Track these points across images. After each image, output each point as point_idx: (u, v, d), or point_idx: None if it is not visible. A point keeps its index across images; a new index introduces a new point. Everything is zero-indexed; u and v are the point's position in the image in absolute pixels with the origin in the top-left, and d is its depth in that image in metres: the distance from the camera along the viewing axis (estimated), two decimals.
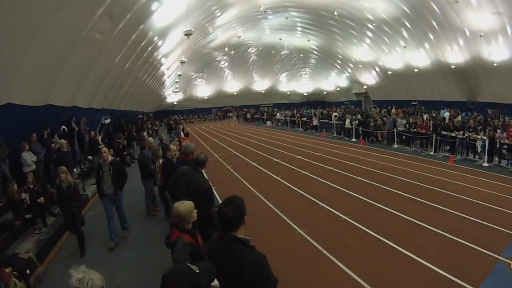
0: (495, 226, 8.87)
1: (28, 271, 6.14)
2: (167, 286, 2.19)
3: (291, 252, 7.53)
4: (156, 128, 29.72)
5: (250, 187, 13.22)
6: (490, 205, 10.56)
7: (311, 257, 7.44)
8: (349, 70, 50.24)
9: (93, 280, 2.35)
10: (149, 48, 22.71)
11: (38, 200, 8.91)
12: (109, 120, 21.62)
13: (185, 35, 20.83)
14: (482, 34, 26.50)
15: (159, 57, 28.03)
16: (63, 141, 12.37)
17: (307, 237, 8.45)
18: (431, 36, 31.39)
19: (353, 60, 45.62)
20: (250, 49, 54.36)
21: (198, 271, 2.32)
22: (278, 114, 44.66)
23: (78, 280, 2.30)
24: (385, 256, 7.44)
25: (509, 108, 28.39)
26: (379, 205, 10.70)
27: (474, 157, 17.99)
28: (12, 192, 8.51)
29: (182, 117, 54.57)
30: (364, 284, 6.26)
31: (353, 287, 6.24)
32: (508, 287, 6.15)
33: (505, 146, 16.43)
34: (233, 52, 52.43)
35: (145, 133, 21.66)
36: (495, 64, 27.91)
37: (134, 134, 22.61)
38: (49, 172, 11.65)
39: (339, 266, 6.94)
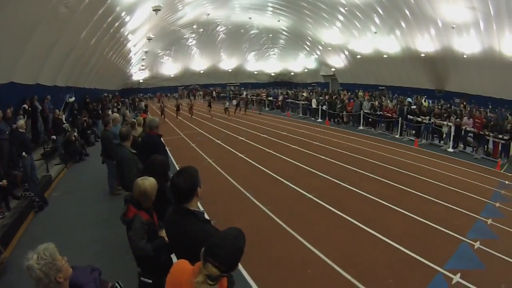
0: (459, 209, 9.07)
1: None
2: (225, 253, 2.04)
3: (255, 229, 7.44)
4: (119, 107, 28.99)
5: (214, 164, 13.07)
6: (454, 189, 10.79)
7: (275, 234, 7.40)
8: (318, 52, 50.21)
9: (47, 249, 2.35)
10: (116, 24, 21.94)
11: (0, 182, 8.27)
12: (73, 99, 20.65)
13: (153, 10, 20.60)
14: (454, 26, 26.94)
15: (126, 34, 27.16)
16: (21, 122, 11.53)
17: (271, 214, 8.38)
18: (403, 24, 31.68)
19: (323, 43, 45.60)
20: (219, 27, 53.25)
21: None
22: (244, 93, 44.30)
23: (35, 260, 2.28)
24: (350, 234, 7.46)
25: (476, 98, 29.30)
26: (344, 184, 10.74)
27: (439, 142, 18.50)
28: None
29: (149, 95, 53.87)
30: (329, 262, 6.24)
31: (317, 264, 6.22)
32: (472, 267, 6.28)
33: (471, 134, 16.92)
34: (201, 30, 51.24)
35: (110, 112, 20.95)
36: (465, 56, 28.50)
37: (100, 112, 22.10)
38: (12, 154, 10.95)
39: (304, 244, 6.91)
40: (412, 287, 5.63)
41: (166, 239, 3.32)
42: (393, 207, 9.02)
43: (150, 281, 3.63)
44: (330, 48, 45.01)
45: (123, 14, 21.56)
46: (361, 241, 7.18)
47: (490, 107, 25.56)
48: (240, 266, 5.63)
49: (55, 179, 11.37)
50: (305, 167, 12.70)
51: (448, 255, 6.62)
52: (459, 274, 5.96)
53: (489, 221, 8.44)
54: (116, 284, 3.04)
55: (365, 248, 6.85)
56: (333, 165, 13.09)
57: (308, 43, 50.37)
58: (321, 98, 28.00)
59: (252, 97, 39.87)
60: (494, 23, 23.67)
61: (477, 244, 7.13)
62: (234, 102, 33.94)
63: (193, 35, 53.26)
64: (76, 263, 2.65)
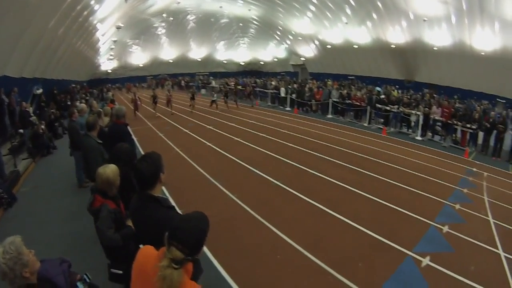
0: (427, 195, 9.15)
1: None
2: (188, 235, 2.02)
3: (224, 217, 7.34)
4: (87, 98, 28.08)
5: (182, 153, 12.79)
6: (422, 175, 10.88)
7: (244, 221, 7.28)
8: (288, 42, 50.21)
9: (13, 243, 2.38)
10: (85, 13, 21.17)
11: None
12: (41, 90, 19.68)
13: None
14: (426, 19, 27.31)
15: (94, 22, 26.17)
16: None
17: (239, 202, 8.25)
18: (374, 16, 31.84)
19: (293, 32, 45.48)
20: (189, 16, 52.10)
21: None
22: (213, 82, 43.86)
23: (1, 254, 2.31)
24: (319, 220, 7.39)
25: (444, 89, 29.81)
26: (311, 171, 10.66)
27: (408, 130, 18.73)
28: None
29: (117, 86, 52.19)
30: (298, 247, 6.17)
31: (287, 250, 6.14)
32: (442, 249, 6.32)
33: (439, 123, 17.19)
34: (171, 18, 50.20)
35: (78, 103, 20.23)
36: (435, 48, 29.05)
37: (68, 103, 21.48)
38: None
39: (272, 230, 6.82)
40: (382, 270, 5.59)
41: (134, 229, 3.27)
42: (361, 193, 9.00)
43: (121, 272, 3.55)
44: (300, 38, 45.00)
45: (92, 2, 20.86)
46: (330, 226, 7.12)
47: (455, 97, 26.09)
48: (209, 254, 5.55)
49: (23, 174, 10.87)
50: (273, 154, 12.56)
51: (417, 238, 6.63)
52: (428, 257, 5.96)
53: (457, 206, 8.52)
54: (85, 276, 3.10)
55: (334, 233, 6.80)
56: (301, 153, 12.99)
57: (278, 33, 50.22)
58: (289, 86, 27.89)
59: (220, 86, 39.44)
60: (466, 17, 24.15)
61: (445, 228, 7.17)
62: (203, 91, 33.18)
63: (163, 24, 52.06)
64: (45, 257, 2.66)
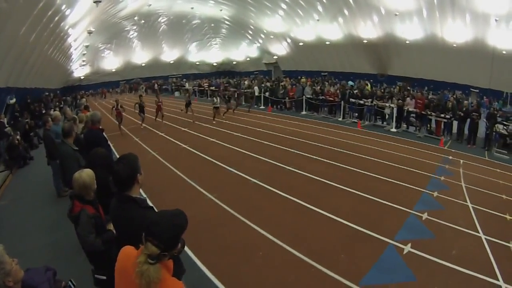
0: (405, 184, 9.25)
1: None
2: (161, 230, 2.04)
3: (204, 217, 7.27)
4: (61, 106, 27.42)
5: (158, 157, 12.63)
6: (399, 166, 11.02)
7: (224, 220, 7.23)
8: (260, 41, 50.41)
9: None
10: (56, 18, 20.57)
11: None
12: (14, 100, 19.18)
13: (94, 2, 19.96)
14: (397, 13, 27.97)
15: (66, 28, 25.55)
16: None
17: (218, 201, 8.18)
18: (346, 12, 32.39)
19: (265, 31, 45.72)
20: (161, 18, 51.35)
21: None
22: (187, 84, 43.66)
23: None
24: (299, 215, 7.38)
25: (418, 82, 30.74)
26: (289, 167, 10.63)
27: (382, 123, 18.98)
28: None
29: (90, 92, 50.83)
30: (280, 243, 6.15)
31: (268, 246, 6.12)
32: (422, 236, 6.40)
33: (413, 115, 17.47)
34: (143, 21, 49.58)
35: (52, 111, 19.72)
36: (407, 42, 29.84)
37: (43, 112, 20.86)
38: None
39: (253, 228, 6.78)
40: (364, 260, 5.61)
41: (115, 232, 3.29)
42: (339, 186, 9.03)
43: (104, 277, 3.50)
44: (272, 36, 45.24)
45: (63, 7, 20.35)
46: (310, 220, 7.11)
47: (426, 89, 26.71)
48: (192, 255, 5.48)
49: (1, 187, 10.58)
50: (249, 153, 12.50)
51: (397, 227, 6.68)
52: (409, 244, 6.02)
53: (435, 194, 8.65)
54: (70, 283, 3.16)
55: (314, 227, 6.80)
56: (277, 150, 12.98)
57: (250, 32, 50.34)
58: (263, 85, 27.95)
59: (194, 88, 39.20)
60: (437, 10, 24.77)
61: (424, 215, 7.26)
62: (177, 94, 32.43)
63: (134, 27, 51.22)
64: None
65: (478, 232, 6.74)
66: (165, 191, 9.07)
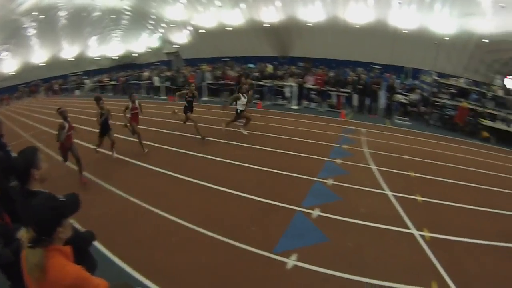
0: (309, 156, 9.44)
1: None
2: (33, 213, 2.07)
3: (114, 213, 6.83)
4: None
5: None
6: (301, 139, 11.25)
7: (134, 213, 6.82)
8: (162, 30, 49.35)
9: None
10: None
11: None
12: None
13: None
14: None
15: None
16: None
17: (125, 195, 7.66)
18: None
19: (166, 20, 44.82)
20: (60, 12, 47.74)
21: (63, 200, 2.26)
22: (87, 81, 41.69)
23: None
24: (206, 197, 7.21)
25: (320, 61, 30.98)
26: (191, 152, 10.34)
27: (283, 102, 19.18)
28: None
29: None
30: (192, 226, 5.97)
31: (181, 231, 5.92)
32: (330, 200, 6.60)
33: (314, 92, 17.96)
34: (42, 17, 45.72)
35: None
36: (309, 24, 30.86)
37: None
38: None
39: (163, 215, 6.49)
40: (275, 229, 5.68)
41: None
42: (242, 164, 8.95)
43: None
44: (173, 25, 44.44)
45: None
46: (218, 200, 7.00)
47: (321, 66, 28.00)
48: (107, 252, 5.42)
49: None
50: (151, 143, 11.84)
51: (304, 195, 6.81)
52: (318, 209, 6.16)
53: (339, 161, 8.96)
54: None
55: (222, 206, 6.71)
56: (179, 137, 12.64)
57: (151, 22, 48.93)
58: (162, 75, 27.35)
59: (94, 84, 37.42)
60: None
61: (330, 181, 7.48)
62: (78, 92, 30.14)
63: (34, 24, 47.09)
64: None
65: (384, 190, 7.11)
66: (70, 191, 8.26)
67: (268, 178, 7.93)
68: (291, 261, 4.85)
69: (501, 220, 6.91)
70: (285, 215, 6.04)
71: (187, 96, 11.38)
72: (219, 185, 7.59)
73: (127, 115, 10.77)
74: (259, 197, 6.79)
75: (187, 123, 11.79)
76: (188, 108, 11.50)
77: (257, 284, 4.52)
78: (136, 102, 10.69)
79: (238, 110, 11.77)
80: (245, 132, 12.13)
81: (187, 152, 10.46)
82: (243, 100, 11.68)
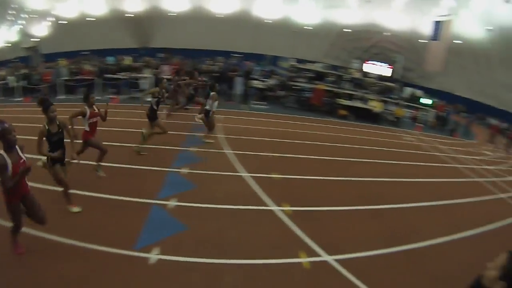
0: (161, 147, 9.22)
1: None
2: None
3: None
4: None
5: None
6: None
7: None
8: (23, 22, 44.72)
9: None
10: None
11: None
12: None
13: None
14: None
15: None
16: None
17: None
18: None
19: (28, 10, 40.66)
20: None
21: None
22: None
23: None
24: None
25: (181, 52, 30.65)
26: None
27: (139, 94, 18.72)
28: None
29: None
30: (39, 234, 5.15)
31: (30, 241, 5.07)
32: (185, 189, 6.77)
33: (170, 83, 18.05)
34: None
35: None
36: (172, 14, 31.30)
37: None
38: None
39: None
40: (132, 226, 5.51)
41: None
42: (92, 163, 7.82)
43: None
44: (36, 16, 40.44)
45: None
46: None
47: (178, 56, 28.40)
48: None
49: None
50: None
51: (158, 187, 6.79)
52: (174, 199, 6.27)
53: (194, 149, 9.19)
54: None
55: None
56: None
57: (11, 12, 43.85)
58: (16, 73, 24.98)
59: None
60: None
61: (184, 170, 7.65)
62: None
63: None
64: None
65: (240, 172, 7.53)
66: None
67: (120, 174, 7.50)
68: (154, 256, 4.81)
69: (359, 186, 7.83)
70: (140, 210, 5.96)
71: (159, 96, 8.95)
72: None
73: None
74: (111, 195, 6.44)
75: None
76: (156, 113, 8.97)
77: (122, 286, 4.33)
78: None
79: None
80: None
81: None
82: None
